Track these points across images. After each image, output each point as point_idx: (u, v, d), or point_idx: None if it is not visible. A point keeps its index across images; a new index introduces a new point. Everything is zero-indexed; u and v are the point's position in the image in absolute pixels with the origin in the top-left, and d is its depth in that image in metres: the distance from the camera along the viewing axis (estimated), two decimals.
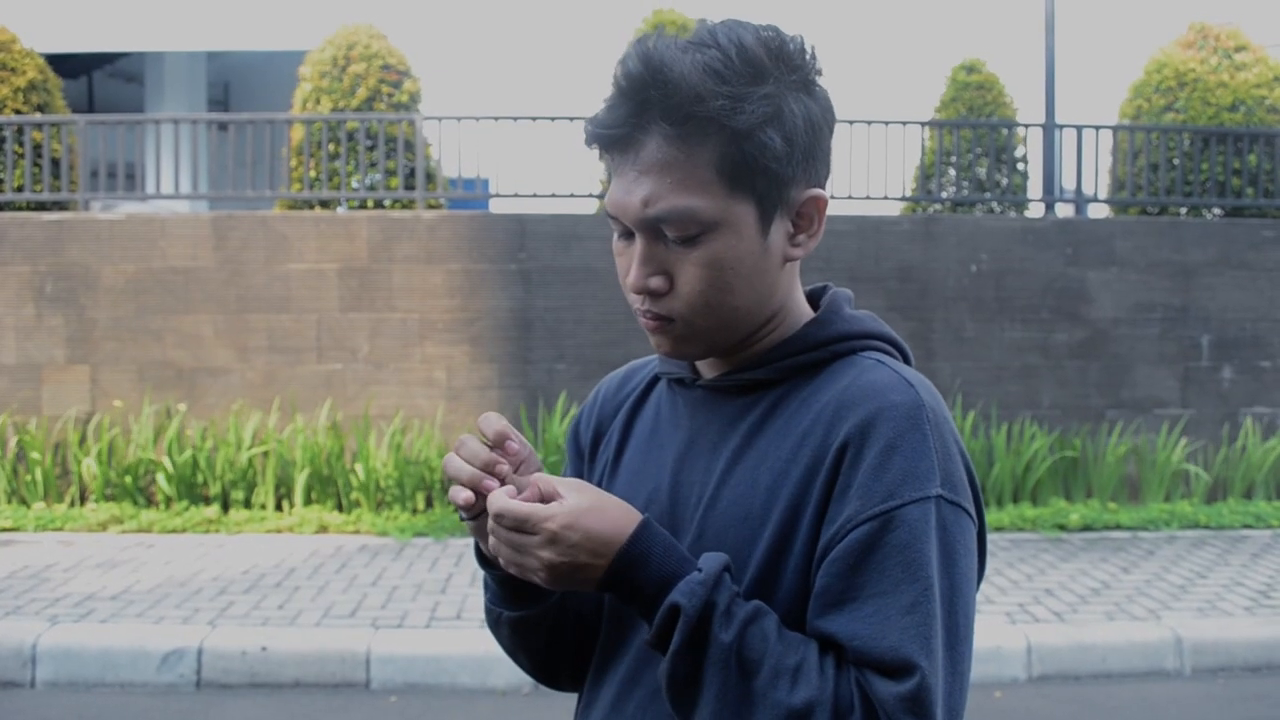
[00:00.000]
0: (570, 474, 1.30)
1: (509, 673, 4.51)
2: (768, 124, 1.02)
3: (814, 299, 1.19)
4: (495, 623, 1.24)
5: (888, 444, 1.01)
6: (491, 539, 1.06)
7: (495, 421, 1.09)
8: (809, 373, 1.12)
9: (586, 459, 1.29)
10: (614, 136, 1.04)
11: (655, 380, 1.26)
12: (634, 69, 1.02)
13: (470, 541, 3.67)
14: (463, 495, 1.06)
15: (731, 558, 1.06)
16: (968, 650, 1.02)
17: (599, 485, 1.23)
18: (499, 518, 1.03)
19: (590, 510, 1.02)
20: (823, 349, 1.12)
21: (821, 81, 1.09)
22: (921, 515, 0.99)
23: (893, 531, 0.99)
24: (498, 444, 1.09)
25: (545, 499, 1.04)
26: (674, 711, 1.04)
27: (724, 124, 1.01)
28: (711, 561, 1.02)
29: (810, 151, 1.06)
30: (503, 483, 1.06)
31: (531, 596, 1.18)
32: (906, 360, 1.15)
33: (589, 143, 1.07)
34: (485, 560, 1.17)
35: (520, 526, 1.02)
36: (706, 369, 1.18)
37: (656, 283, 1.07)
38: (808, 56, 1.07)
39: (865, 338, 1.13)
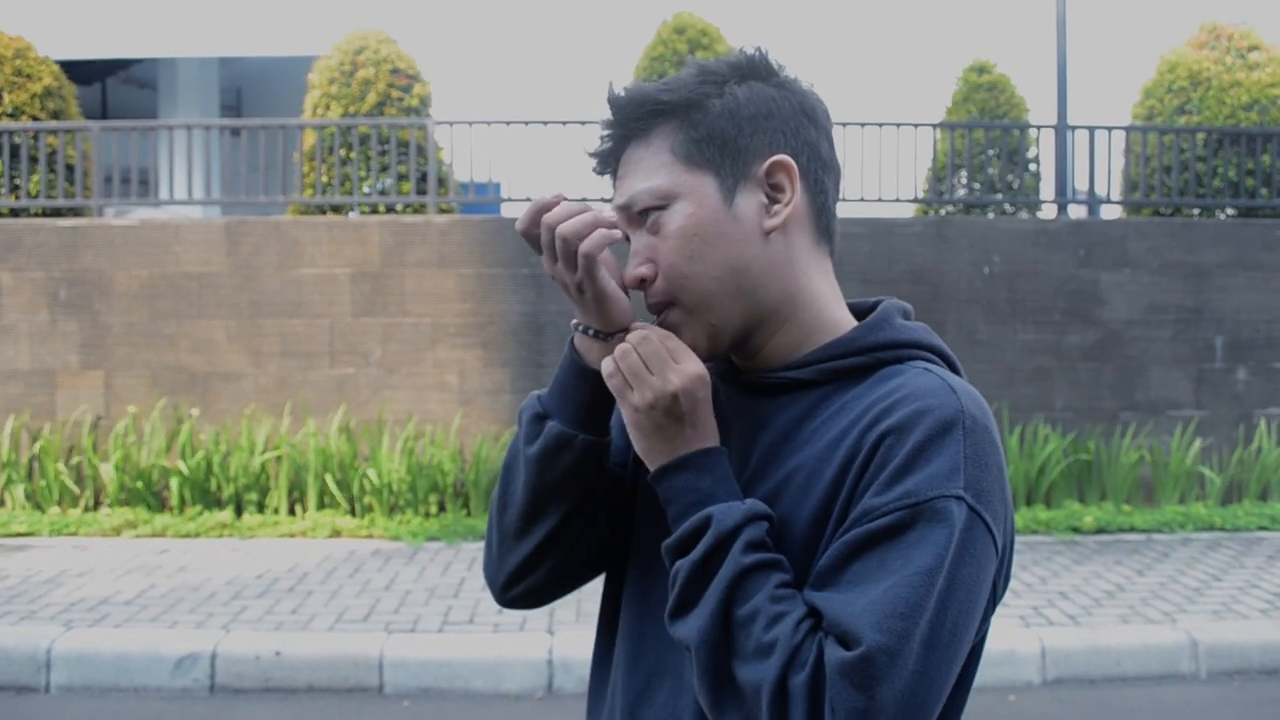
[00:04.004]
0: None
1: (522, 677, 4.52)
2: (706, 99, 1.11)
3: (869, 312, 1.20)
4: (515, 458, 1.20)
5: (917, 445, 1.01)
6: (619, 349, 1.09)
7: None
8: (853, 378, 1.11)
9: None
10: (599, 156, 1.17)
11: None
12: (607, 103, 1.15)
13: (480, 545, 3.60)
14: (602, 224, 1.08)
15: None
16: (948, 658, 0.98)
17: (631, 466, 1.25)
18: (644, 341, 1.08)
19: (707, 401, 1.09)
20: (868, 354, 1.12)
21: (799, 81, 1.15)
22: (936, 513, 0.99)
23: (906, 530, 0.99)
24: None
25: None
26: (669, 615, 1.05)
27: (666, 107, 1.11)
28: (760, 504, 1.06)
29: (760, 124, 1.11)
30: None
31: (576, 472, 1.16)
32: (956, 374, 1.14)
33: (595, 170, 1.19)
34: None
35: (651, 361, 1.08)
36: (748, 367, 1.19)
37: (643, 270, 1.13)
38: (771, 62, 1.14)
39: (914, 347, 1.13)
